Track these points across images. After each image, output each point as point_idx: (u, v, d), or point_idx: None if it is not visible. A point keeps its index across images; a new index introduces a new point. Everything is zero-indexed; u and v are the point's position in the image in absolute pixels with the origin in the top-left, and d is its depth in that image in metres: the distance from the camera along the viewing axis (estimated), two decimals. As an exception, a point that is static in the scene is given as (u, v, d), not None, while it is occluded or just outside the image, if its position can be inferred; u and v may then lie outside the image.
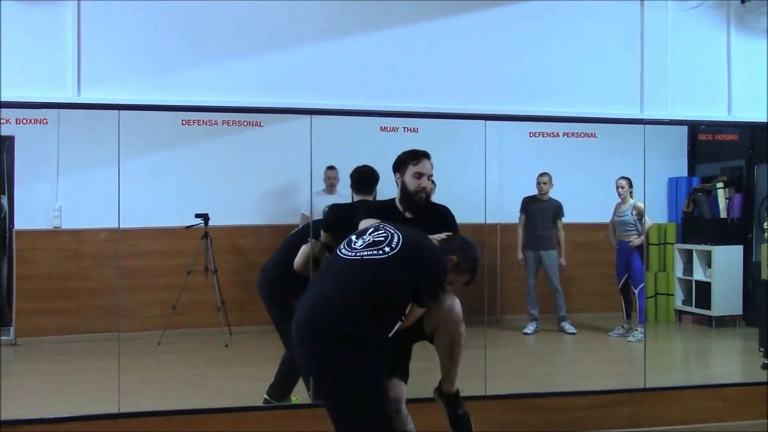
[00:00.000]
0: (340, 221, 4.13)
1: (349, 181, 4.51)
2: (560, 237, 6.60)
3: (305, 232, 4.52)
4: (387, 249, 2.98)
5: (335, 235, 4.23)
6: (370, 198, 4.40)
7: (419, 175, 3.49)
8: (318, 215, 5.54)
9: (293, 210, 6.26)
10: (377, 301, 2.88)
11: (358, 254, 3.01)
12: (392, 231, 3.06)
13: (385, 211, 3.52)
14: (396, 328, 3.01)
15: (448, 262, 3.08)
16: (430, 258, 3.04)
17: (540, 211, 6.64)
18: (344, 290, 2.92)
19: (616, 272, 6.64)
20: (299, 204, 6.08)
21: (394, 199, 3.63)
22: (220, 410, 4.30)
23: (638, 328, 6.37)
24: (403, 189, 3.52)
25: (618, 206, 6.55)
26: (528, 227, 6.69)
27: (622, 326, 6.60)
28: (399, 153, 3.64)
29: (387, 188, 4.72)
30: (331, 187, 5.86)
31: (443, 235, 3.25)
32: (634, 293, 6.52)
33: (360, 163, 4.45)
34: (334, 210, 4.40)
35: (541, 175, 6.54)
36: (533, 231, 6.67)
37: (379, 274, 2.93)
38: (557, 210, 6.59)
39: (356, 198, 4.40)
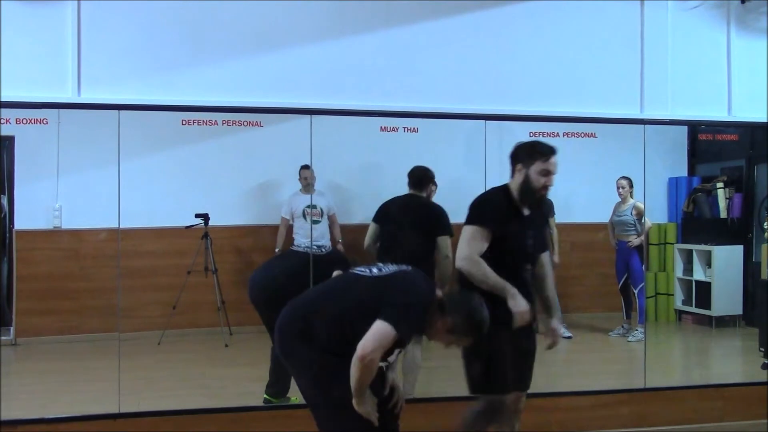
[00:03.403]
0: (383, 212, 4.69)
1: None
2: (553, 235, 6.42)
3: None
4: (375, 270, 2.97)
5: (382, 227, 4.67)
6: (423, 195, 4.68)
7: (547, 173, 3.29)
8: (299, 216, 5.58)
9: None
10: (338, 317, 2.87)
11: (352, 270, 3.08)
12: (399, 266, 3.01)
13: (500, 201, 3.33)
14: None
15: (441, 322, 2.87)
16: (407, 290, 2.87)
17: None
18: (317, 293, 3.07)
19: (616, 272, 6.63)
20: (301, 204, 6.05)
21: (507, 188, 3.39)
22: (220, 410, 4.30)
23: (638, 328, 6.37)
24: (526, 183, 3.30)
25: (618, 206, 6.55)
26: None
27: (622, 326, 6.60)
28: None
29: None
30: (308, 186, 5.72)
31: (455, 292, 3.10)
32: (634, 293, 6.52)
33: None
34: (382, 205, 4.78)
35: None
36: None
37: (354, 289, 2.94)
38: (547, 209, 6.53)
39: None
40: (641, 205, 6.28)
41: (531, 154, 3.32)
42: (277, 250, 5.79)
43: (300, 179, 5.72)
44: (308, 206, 5.49)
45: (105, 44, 4.27)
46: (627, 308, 6.59)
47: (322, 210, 5.56)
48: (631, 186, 6.40)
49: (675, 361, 6.62)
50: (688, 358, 6.98)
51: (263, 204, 6.68)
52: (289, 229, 5.67)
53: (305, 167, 5.66)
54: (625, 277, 6.56)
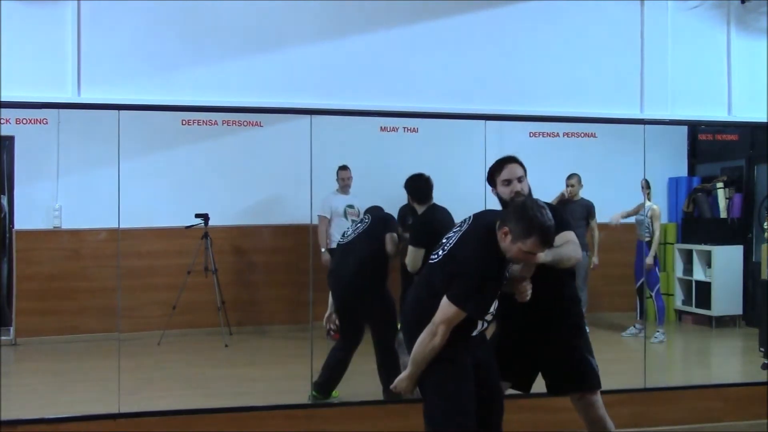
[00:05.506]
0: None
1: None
2: (594, 237, 6.49)
3: None
4: (440, 252, 3.04)
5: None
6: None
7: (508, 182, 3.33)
8: (339, 216, 5.67)
9: (293, 210, 6.26)
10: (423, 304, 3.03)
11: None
12: (454, 233, 3.07)
13: None
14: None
15: (502, 234, 2.84)
16: (459, 260, 2.95)
17: (570, 211, 6.59)
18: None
19: (635, 273, 6.62)
20: (301, 204, 6.05)
21: None
22: (220, 410, 4.29)
23: (659, 330, 6.44)
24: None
25: (640, 206, 6.52)
26: None
27: (634, 326, 6.61)
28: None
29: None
30: (345, 187, 5.89)
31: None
32: (651, 296, 6.56)
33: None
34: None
35: (569, 177, 6.43)
36: None
37: (431, 275, 3.06)
38: (588, 210, 6.49)
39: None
40: (656, 209, 6.38)
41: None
42: (323, 249, 5.82)
43: (338, 179, 5.90)
44: (348, 206, 5.58)
45: (105, 44, 4.28)
46: (641, 309, 6.60)
47: (359, 210, 5.64)
48: (648, 187, 6.39)
49: (675, 361, 6.62)
50: (688, 358, 6.98)
51: (263, 204, 6.68)
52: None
53: (343, 168, 5.83)
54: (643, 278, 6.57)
